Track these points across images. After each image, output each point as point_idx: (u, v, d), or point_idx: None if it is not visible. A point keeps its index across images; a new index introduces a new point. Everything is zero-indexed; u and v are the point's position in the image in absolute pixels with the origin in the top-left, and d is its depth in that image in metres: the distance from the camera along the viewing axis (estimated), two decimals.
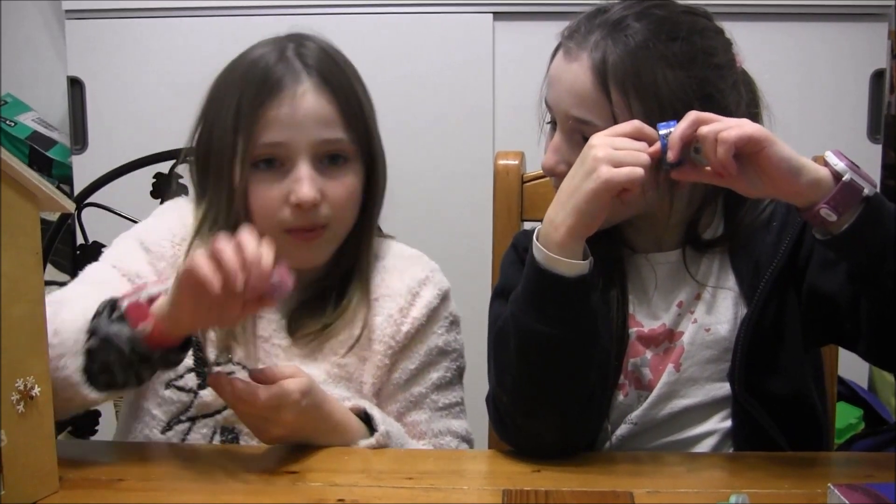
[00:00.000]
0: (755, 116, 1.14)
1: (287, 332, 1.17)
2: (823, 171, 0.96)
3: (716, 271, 1.15)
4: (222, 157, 1.13)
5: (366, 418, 1.11)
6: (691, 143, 0.98)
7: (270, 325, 1.17)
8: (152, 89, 2.30)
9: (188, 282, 0.91)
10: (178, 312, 0.95)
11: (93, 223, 1.62)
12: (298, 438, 1.06)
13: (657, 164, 0.99)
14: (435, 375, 1.21)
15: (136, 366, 0.98)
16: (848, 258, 1.00)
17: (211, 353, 1.15)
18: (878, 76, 2.24)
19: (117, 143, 2.26)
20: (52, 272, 2.40)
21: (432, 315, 1.21)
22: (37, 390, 0.89)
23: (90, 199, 1.60)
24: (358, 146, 1.16)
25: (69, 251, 2.24)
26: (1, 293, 0.86)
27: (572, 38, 1.10)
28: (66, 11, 2.30)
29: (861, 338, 1.05)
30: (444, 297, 1.23)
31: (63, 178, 2.50)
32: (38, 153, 2.52)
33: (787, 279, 1.11)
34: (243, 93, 1.13)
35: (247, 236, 0.92)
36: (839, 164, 0.95)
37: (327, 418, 1.07)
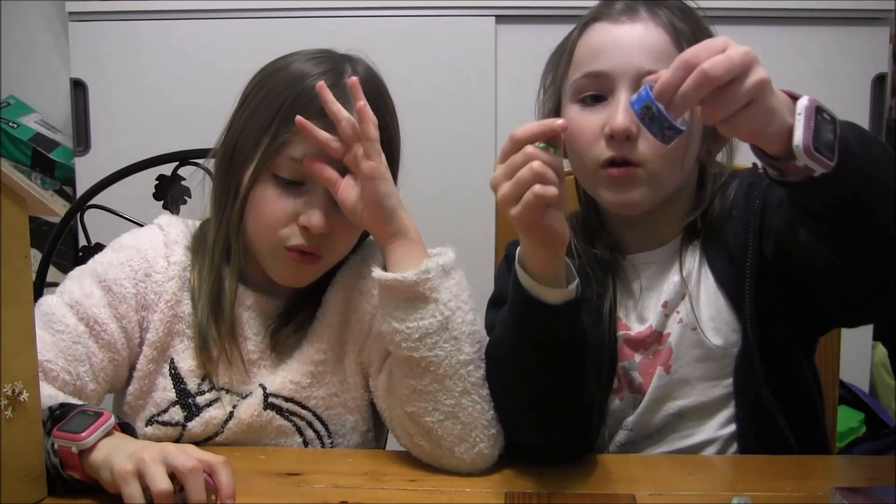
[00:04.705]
0: None
1: (270, 351, 1.17)
2: (789, 125, 0.84)
3: (696, 267, 1.15)
4: (243, 161, 1.12)
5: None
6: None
7: (257, 347, 1.16)
8: (155, 92, 2.30)
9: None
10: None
11: (95, 225, 1.62)
12: None
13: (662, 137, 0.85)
14: None
15: (58, 478, 0.95)
16: (802, 204, 0.92)
17: (192, 383, 1.14)
18: (879, 80, 2.24)
19: (120, 145, 2.27)
20: (54, 273, 2.41)
21: None
22: (25, 395, 0.89)
23: (93, 201, 1.60)
24: None
25: (71, 253, 2.25)
26: None
27: (613, 8, 1.12)
28: (70, 13, 2.30)
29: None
30: None
31: (66, 179, 2.50)
32: (40, 155, 2.52)
33: (763, 266, 1.10)
34: (284, 106, 1.10)
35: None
36: (798, 143, 0.82)
37: None
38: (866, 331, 2.30)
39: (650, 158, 1.08)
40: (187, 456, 0.89)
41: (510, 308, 1.00)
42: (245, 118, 1.14)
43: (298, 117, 1.06)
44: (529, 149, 0.91)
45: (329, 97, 1.06)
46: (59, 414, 0.96)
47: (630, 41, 1.10)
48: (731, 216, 1.14)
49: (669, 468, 1.05)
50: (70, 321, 1.11)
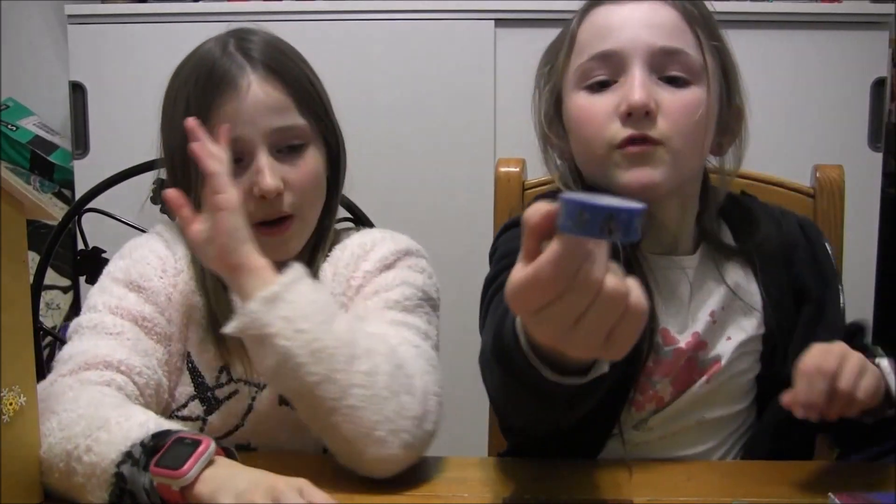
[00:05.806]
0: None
1: None
2: (880, 387, 0.95)
3: (744, 285, 1.13)
4: (182, 159, 1.10)
5: None
6: None
7: None
8: (154, 94, 2.28)
9: None
10: None
11: (93, 228, 1.62)
12: None
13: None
14: (393, 295, 1.12)
15: None
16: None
17: (209, 376, 1.13)
18: (878, 84, 2.24)
19: (119, 148, 2.26)
20: (52, 277, 2.41)
21: (385, 267, 1.15)
22: (22, 400, 0.89)
23: (91, 204, 1.60)
24: (316, 129, 1.15)
25: (69, 256, 2.25)
26: None
27: None
28: (69, 16, 2.31)
29: None
30: (404, 253, 1.17)
31: (64, 182, 2.50)
32: (39, 158, 2.52)
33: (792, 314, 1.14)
34: (192, 91, 1.13)
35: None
36: None
37: None
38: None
39: (671, 135, 1.02)
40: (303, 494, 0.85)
41: (515, 383, 0.84)
42: (168, 119, 1.17)
43: (189, 120, 1.03)
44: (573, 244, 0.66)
45: (199, 136, 1.02)
46: (152, 446, 0.88)
47: (638, 17, 1.05)
48: (796, 252, 1.15)
49: (668, 473, 1.05)
50: (123, 323, 1.08)
